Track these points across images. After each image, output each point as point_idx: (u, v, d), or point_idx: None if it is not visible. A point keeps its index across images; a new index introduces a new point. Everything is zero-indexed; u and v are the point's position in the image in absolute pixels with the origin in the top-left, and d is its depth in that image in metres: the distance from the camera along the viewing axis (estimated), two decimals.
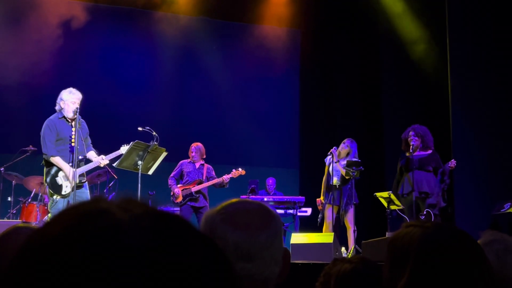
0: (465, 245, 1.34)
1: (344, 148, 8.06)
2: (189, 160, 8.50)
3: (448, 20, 9.26)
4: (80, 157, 6.18)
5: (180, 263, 0.54)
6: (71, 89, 6.29)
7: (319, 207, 8.18)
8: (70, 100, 6.21)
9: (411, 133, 7.46)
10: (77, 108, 6.18)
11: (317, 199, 8.26)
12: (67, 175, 6.12)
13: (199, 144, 8.50)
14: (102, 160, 6.29)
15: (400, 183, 7.55)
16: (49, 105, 6.60)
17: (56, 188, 6.15)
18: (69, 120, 6.26)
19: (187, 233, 0.58)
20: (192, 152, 8.42)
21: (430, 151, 7.41)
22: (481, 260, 1.33)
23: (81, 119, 6.30)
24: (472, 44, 9.12)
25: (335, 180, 7.97)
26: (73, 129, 6.21)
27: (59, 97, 6.28)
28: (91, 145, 6.49)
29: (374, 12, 10.59)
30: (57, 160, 6.15)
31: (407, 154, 7.42)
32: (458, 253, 1.33)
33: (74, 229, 0.54)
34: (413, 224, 1.41)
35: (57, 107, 6.30)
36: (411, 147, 7.39)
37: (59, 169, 6.15)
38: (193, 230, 0.59)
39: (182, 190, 8.23)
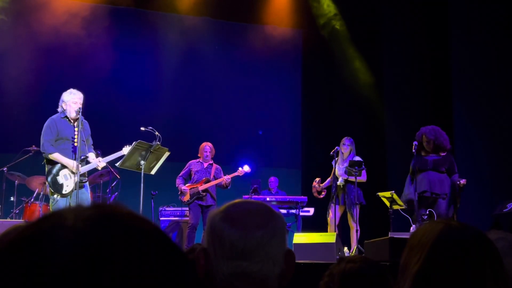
0: (483, 246, 1.38)
1: (346, 148, 8.10)
2: (198, 160, 8.55)
3: (449, 16, 9.24)
4: (81, 157, 6.18)
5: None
6: (71, 90, 6.29)
7: (318, 187, 8.18)
8: (71, 100, 6.22)
9: (424, 137, 7.37)
10: (79, 108, 6.18)
11: (317, 178, 8.28)
12: (70, 168, 6.11)
13: (210, 144, 8.56)
14: (100, 163, 6.31)
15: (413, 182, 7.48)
16: (51, 105, 6.61)
17: (57, 187, 6.14)
18: (72, 120, 6.27)
19: (124, 242, 0.57)
20: (206, 152, 8.48)
21: (444, 154, 7.37)
22: (497, 264, 1.37)
23: (83, 120, 6.30)
24: (475, 42, 9.10)
25: (340, 180, 8.02)
26: (76, 129, 6.21)
27: (61, 99, 6.29)
28: (92, 146, 6.48)
29: (376, 9, 10.58)
30: (56, 156, 6.13)
31: (423, 154, 7.36)
32: (475, 252, 1.37)
33: (22, 232, 0.58)
34: (440, 221, 1.48)
35: (59, 109, 6.31)
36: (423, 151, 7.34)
37: (61, 168, 6.15)
38: (136, 238, 0.58)
39: (190, 189, 8.25)
